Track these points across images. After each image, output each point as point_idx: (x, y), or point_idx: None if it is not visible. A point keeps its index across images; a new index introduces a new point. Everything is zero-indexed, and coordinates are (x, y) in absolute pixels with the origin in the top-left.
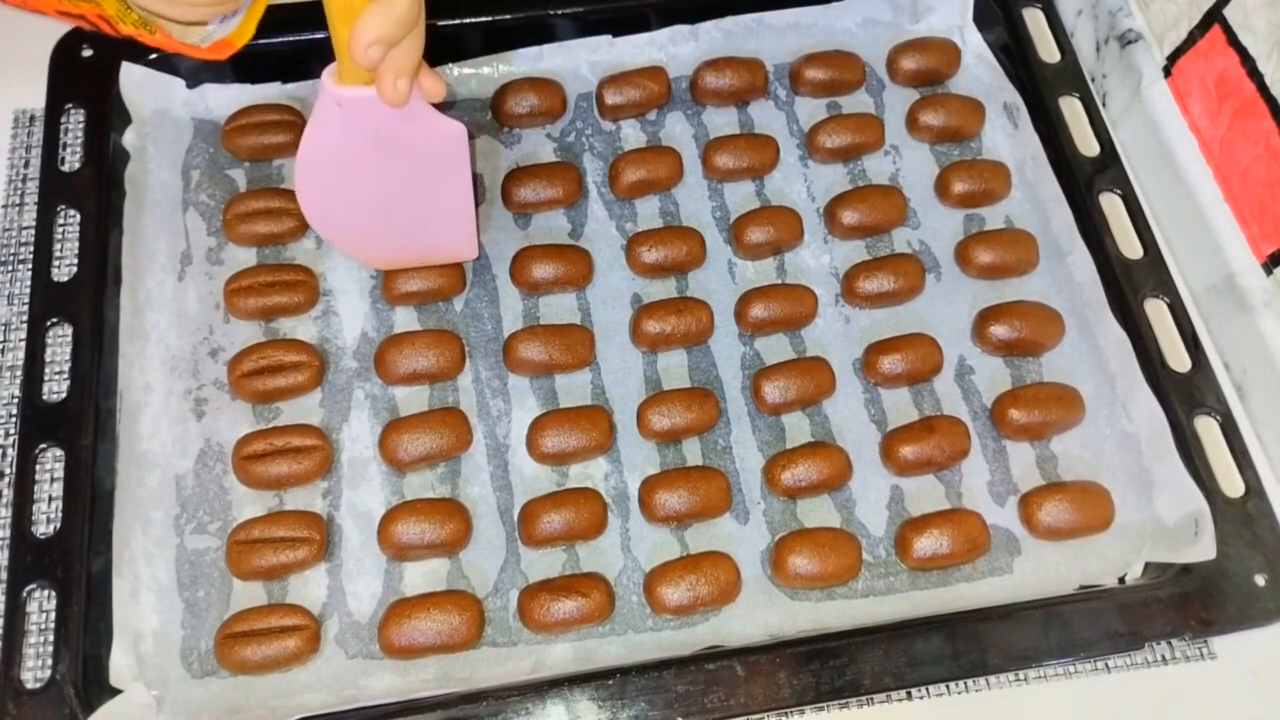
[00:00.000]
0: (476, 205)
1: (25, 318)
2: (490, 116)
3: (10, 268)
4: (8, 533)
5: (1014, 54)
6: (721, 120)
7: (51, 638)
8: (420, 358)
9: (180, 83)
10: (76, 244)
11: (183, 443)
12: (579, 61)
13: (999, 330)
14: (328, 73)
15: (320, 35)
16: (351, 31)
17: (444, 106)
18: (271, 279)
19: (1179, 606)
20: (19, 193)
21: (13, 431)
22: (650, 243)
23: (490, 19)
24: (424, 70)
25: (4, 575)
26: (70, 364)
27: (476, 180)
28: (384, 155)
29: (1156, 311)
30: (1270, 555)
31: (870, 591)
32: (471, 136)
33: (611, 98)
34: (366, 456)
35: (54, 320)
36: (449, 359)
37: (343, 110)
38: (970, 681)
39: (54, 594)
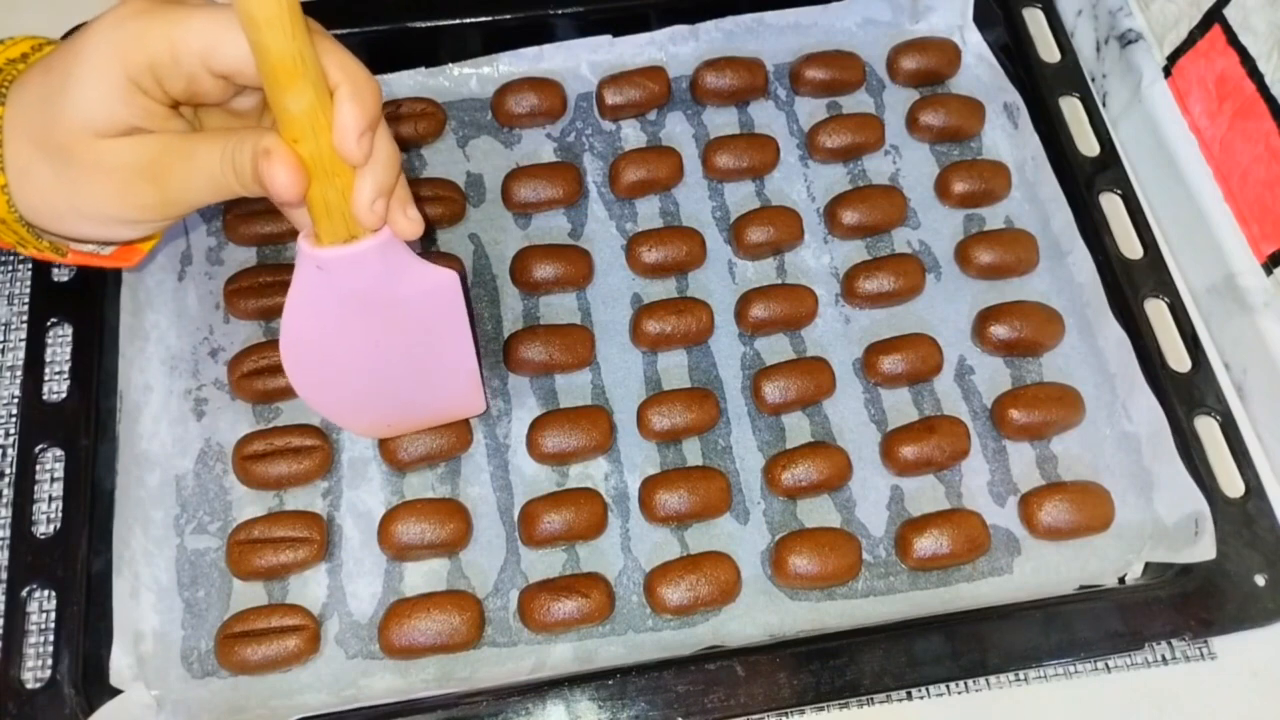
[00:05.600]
0: (477, 348)
1: (25, 318)
2: (490, 116)
3: (10, 268)
4: (8, 533)
5: (1014, 54)
6: (721, 120)
7: (51, 638)
8: None
9: None
10: None
11: (183, 443)
12: (579, 61)
13: (999, 330)
14: (303, 238)
15: None
16: (353, 196)
17: (443, 117)
18: (271, 279)
19: (1179, 606)
20: None
21: (13, 431)
22: (650, 243)
23: (490, 19)
24: (398, 204)
25: (4, 575)
26: (70, 364)
27: (478, 180)
28: (375, 316)
29: (1156, 311)
30: (1270, 555)
31: (870, 591)
32: (464, 279)
33: (611, 98)
34: (366, 456)
35: (54, 320)
36: None
37: (326, 274)
38: (970, 681)
39: (54, 594)
